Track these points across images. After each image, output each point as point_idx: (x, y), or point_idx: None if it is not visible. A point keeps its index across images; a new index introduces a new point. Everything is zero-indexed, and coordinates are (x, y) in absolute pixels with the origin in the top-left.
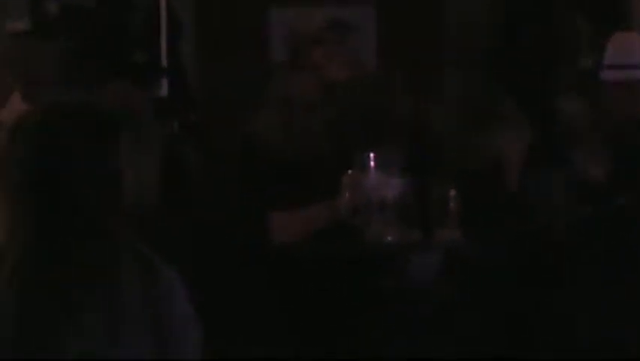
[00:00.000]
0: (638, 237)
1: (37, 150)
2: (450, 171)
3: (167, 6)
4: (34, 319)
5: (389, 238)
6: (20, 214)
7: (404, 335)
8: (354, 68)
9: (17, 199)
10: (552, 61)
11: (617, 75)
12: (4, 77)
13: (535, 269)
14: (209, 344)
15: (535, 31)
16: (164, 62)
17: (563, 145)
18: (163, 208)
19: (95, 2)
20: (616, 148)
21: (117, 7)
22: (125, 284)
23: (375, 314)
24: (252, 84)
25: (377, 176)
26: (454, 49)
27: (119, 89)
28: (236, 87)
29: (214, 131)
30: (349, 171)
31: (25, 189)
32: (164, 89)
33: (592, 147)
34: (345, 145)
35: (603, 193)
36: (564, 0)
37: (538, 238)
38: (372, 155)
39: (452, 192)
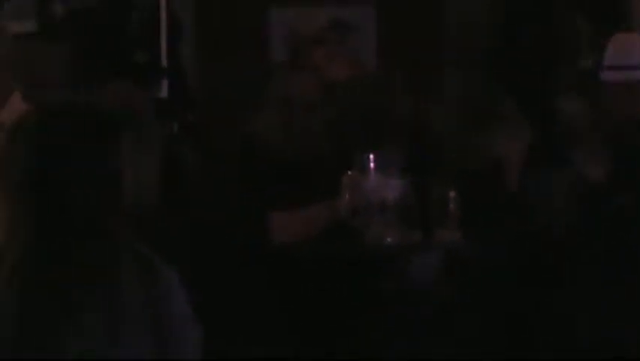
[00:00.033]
0: (638, 237)
1: (38, 150)
2: (450, 171)
3: (167, 6)
4: (34, 319)
5: (389, 239)
6: (20, 214)
7: (404, 336)
8: (354, 68)
9: (17, 199)
10: (552, 61)
11: (617, 76)
12: (6, 78)
13: (535, 269)
14: (209, 344)
15: (535, 31)
16: (164, 62)
17: (563, 145)
18: (163, 208)
19: (96, 3)
20: (616, 148)
21: (118, 7)
22: (124, 284)
23: (376, 315)
24: (252, 84)
25: (377, 177)
26: (454, 49)
27: (120, 89)
28: (236, 87)
29: (214, 131)
30: (349, 172)
31: (25, 189)
32: (164, 90)
33: (592, 147)
34: (345, 145)
35: (603, 193)
36: (564, 0)
37: (538, 238)
38: (372, 156)
39: (452, 193)
